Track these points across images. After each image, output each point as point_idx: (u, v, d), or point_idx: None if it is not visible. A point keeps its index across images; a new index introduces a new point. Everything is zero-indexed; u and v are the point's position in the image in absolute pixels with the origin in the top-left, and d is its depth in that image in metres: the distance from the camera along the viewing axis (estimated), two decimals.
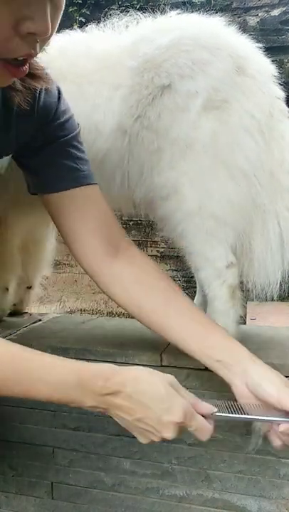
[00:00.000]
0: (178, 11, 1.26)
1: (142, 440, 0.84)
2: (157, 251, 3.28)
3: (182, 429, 0.82)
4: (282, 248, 1.23)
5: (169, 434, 0.80)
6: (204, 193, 1.19)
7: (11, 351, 0.81)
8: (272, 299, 1.24)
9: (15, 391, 0.80)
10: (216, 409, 0.87)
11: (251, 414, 0.90)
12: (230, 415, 0.89)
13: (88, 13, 4.47)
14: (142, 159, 1.22)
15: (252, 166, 1.19)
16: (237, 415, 0.89)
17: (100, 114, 1.23)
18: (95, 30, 1.29)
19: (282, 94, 1.26)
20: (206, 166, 1.19)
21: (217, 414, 0.87)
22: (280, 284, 1.24)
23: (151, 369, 0.85)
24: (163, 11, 1.27)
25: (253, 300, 1.29)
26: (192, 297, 1.53)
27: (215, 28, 1.24)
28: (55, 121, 1.00)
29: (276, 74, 1.25)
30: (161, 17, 1.26)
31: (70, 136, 1.02)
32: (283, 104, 1.26)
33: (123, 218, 3.24)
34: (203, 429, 0.84)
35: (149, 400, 0.80)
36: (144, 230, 3.26)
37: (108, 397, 0.80)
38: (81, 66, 1.25)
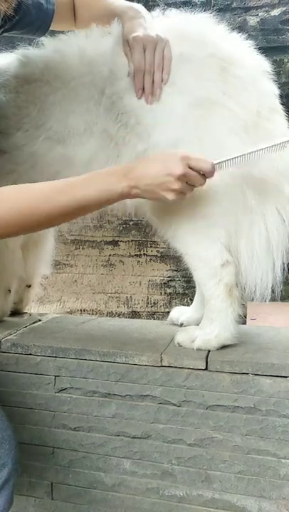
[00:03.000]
0: (175, 10, 1.26)
1: (169, 196, 1.01)
2: (157, 251, 3.27)
3: (187, 165, 1.00)
4: (271, 252, 1.22)
5: (179, 168, 0.99)
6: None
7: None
8: (265, 301, 1.24)
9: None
10: (215, 161, 1.03)
11: (247, 152, 1.04)
12: (229, 157, 1.04)
13: None
14: (131, 160, 1.23)
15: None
16: (236, 155, 1.03)
17: (92, 117, 1.24)
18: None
19: (275, 91, 1.24)
20: None
21: (216, 162, 1.03)
22: (280, 285, 1.24)
23: None
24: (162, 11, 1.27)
25: (252, 300, 1.29)
26: (192, 297, 1.53)
27: (200, 27, 1.24)
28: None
29: (269, 70, 1.24)
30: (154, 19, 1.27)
31: None
32: (275, 102, 1.24)
33: (123, 218, 3.24)
34: (204, 160, 1.02)
35: (155, 158, 1.05)
36: (144, 230, 3.25)
37: (131, 173, 1.01)
38: (75, 68, 1.26)
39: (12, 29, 1.27)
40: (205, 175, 1.03)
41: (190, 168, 1.01)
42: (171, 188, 1.01)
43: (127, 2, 1.28)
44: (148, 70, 1.17)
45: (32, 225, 1.00)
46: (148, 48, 1.17)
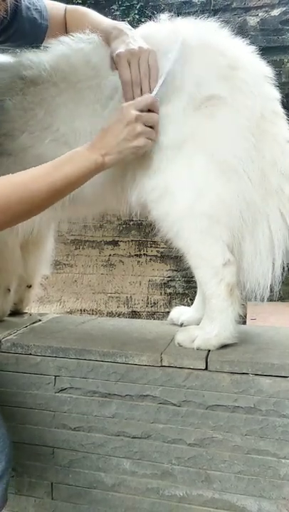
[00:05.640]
0: (176, 13, 1.27)
1: (140, 142, 1.12)
2: (157, 251, 3.27)
3: (135, 109, 1.11)
4: (272, 252, 1.22)
5: (131, 114, 1.10)
6: (194, 193, 1.19)
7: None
8: (263, 300, 1.24)
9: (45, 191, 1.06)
10: (152, 93, 1.16)
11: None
12: (159, 82, 1.16)
13: None
14: (133, 163, 1.23)
15: (241, 162, 1.18)
16: (162, 78, 1.17)
17: (98, 119, 1.24)
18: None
19: (277, 95, 1.26)
20: (195, 164, 1.19)
21: (153, 94, 1.15)
22: (280, 285, 1.24)
23: None
24: (163, 11, 1.28)
25: (251, 300, 1.29)
26: (192, 297, 1.53)
27: (204, 31, 1.25)
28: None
29: (271, 75, 1.25)
30: (152, 23, 1.29)
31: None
32: (277, 106, 1.26)
33: (123, 218, 3.24)
34: (144, 97, 1.14)
35: (110, 123, 1.14)
36: (144, 230, 3.26)
37: (98, 143, 1.11)
38: (81, 70, 1.27)
39: (6, 41, 1.31)
40: (153, 110, 1.14)
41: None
42: (136, 133, 1.11)
43: (112, 22, 1.32)
44: (135, 81, 1.19)
45: (25, 212, 1.06)
46: (132, 61, 1.19)
